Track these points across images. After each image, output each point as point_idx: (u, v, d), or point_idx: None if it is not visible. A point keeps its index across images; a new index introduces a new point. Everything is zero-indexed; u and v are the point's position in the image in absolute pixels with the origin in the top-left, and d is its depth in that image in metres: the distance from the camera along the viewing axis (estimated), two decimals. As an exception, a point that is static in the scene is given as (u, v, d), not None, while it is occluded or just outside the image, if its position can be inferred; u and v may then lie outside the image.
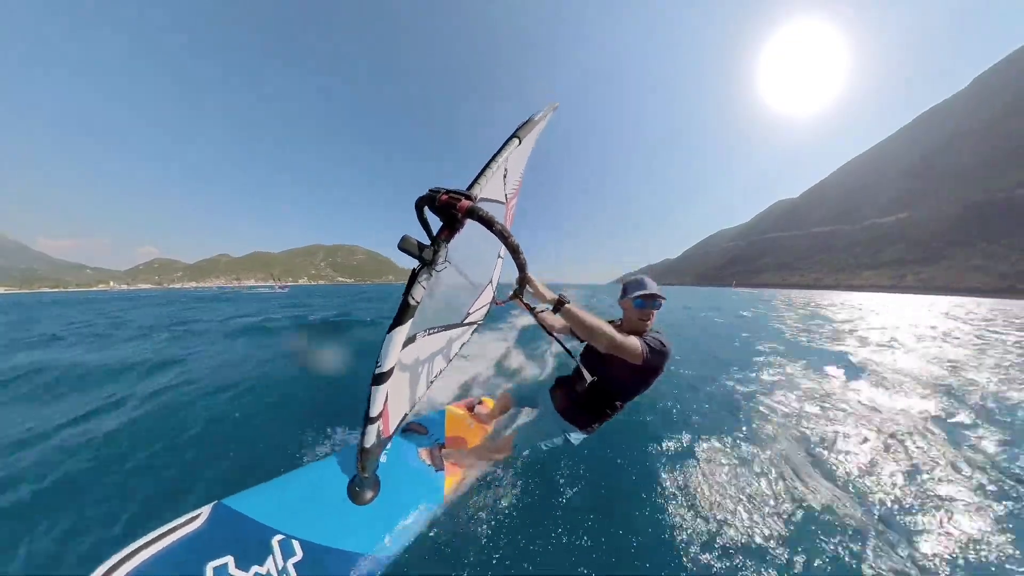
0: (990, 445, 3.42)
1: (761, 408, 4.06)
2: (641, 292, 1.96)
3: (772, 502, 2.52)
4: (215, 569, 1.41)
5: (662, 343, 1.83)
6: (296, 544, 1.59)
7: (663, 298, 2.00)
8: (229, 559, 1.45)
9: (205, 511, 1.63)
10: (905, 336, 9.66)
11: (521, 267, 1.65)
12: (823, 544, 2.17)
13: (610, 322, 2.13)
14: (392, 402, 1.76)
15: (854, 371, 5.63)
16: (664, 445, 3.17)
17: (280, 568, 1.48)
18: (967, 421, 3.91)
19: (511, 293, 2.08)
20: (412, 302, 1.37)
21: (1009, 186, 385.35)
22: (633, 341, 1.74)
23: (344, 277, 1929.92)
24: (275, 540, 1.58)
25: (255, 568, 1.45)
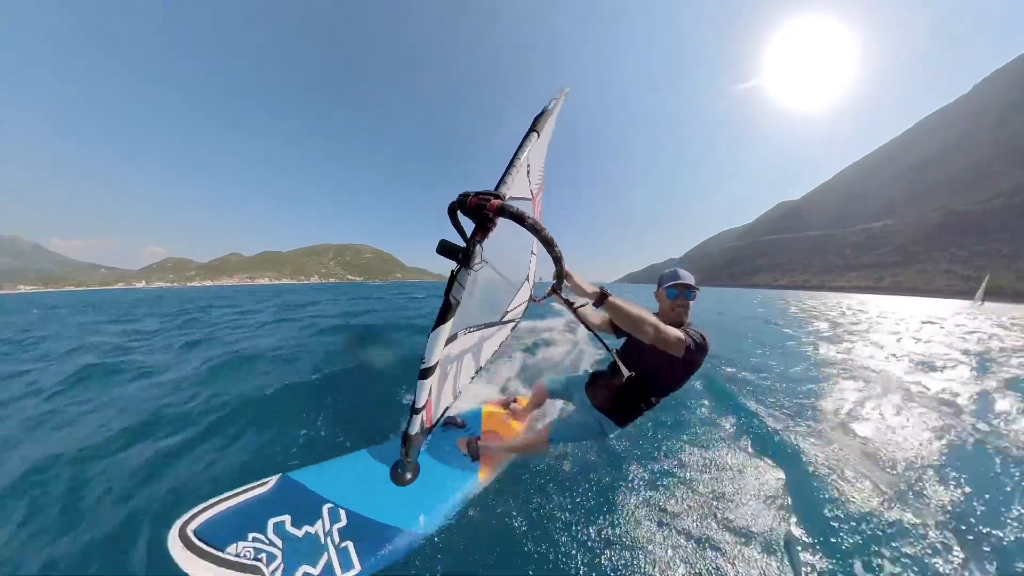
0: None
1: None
2: (673, 282, 1.99)
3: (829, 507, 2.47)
4: (275, 524, 1.66)
5: (702, 336, 1.83)
6: (342, 512, 1.80)
7: (696, 288, 1.99)
8: (287, 518, 1.71)
9: (273, 479, 1.91)
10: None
11: (557, 260, 1.65)
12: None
13: None
14: (435, 395, 1.87)
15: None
16: (704, 443, 3.17)
17: (326, 530, 1.70)
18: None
19: (549, 289, 2.07)
20: (453, 301, 1.45)
21: (985, 198, 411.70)
22: (677, 333, 1.73)
23: (353, 275, 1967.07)
24: (325, 507, 1.81)
25: (306, 527, 1.69)
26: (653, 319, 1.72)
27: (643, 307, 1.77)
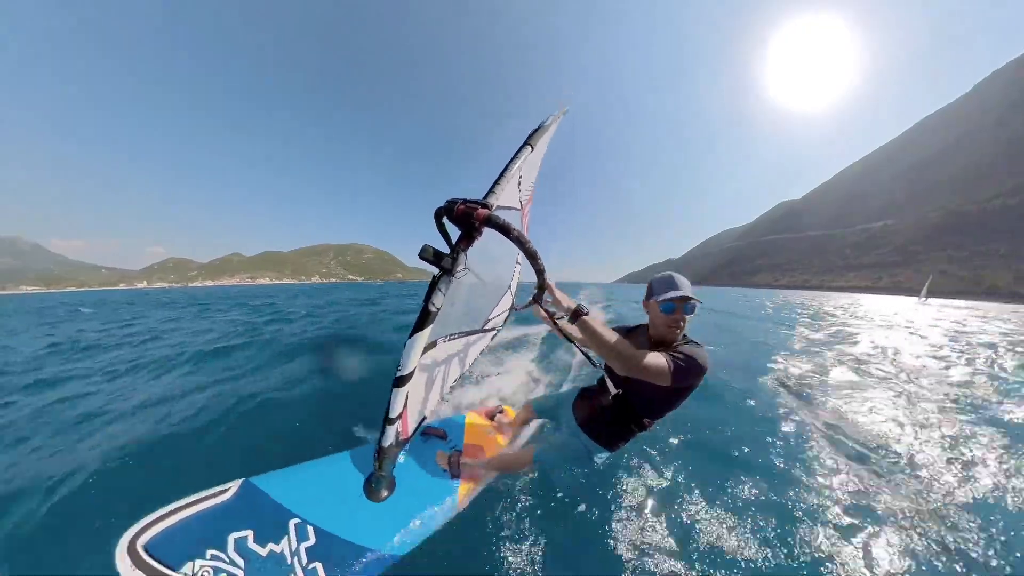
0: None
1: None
2: (670, 295, 1.68)
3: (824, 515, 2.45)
4: (236, 540, 1.52)
5: (693, 358, 1.57)
6: (310, 529, 1.67)
7: (697, 301, 1.70)
8: (249, 533, 1.56)
9: (234, 486, 1.74)
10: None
11: (539, 273, 1.65)
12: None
13: (635, 328, 2.00)
14: (411, 405, 1.80)
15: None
16: (692, 460, 3.03)
17: (293, 550, 1.57)
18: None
19: (530, 299, 2.03)
20: (432, 308, 1.41)
21: (985, 198, 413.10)
22: (657, 361, 1.51)
23: (354, 275, 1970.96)
24: (292, 523, 1.67)
25: (271, 545, 1.55)
26: (627, 347, 1.52)
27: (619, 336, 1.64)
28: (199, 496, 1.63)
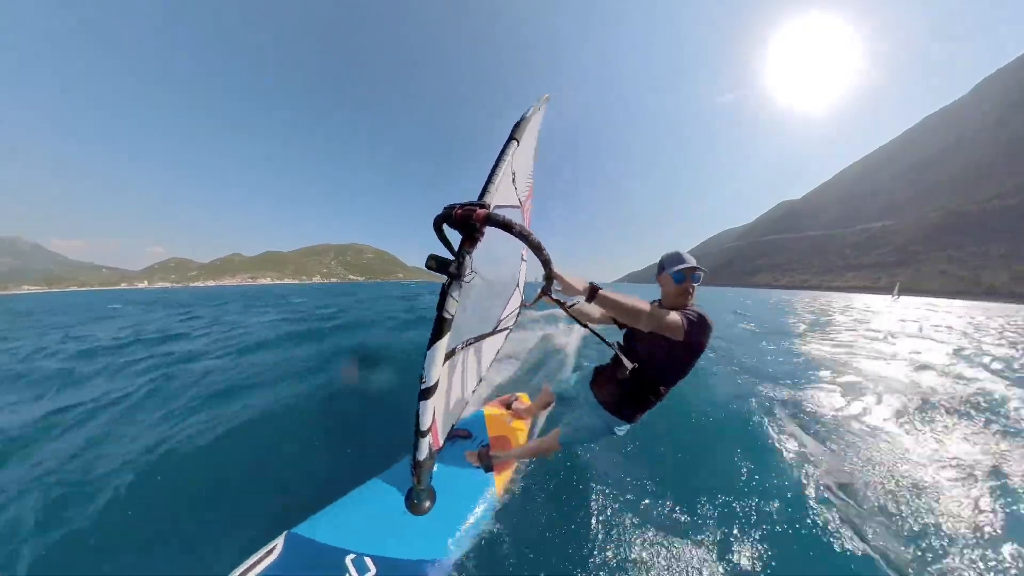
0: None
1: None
2: (680, 266, 1.90)
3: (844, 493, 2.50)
4: None
5: (702, 316, 1.78)
6: (368, 560, 1.66)
7: (703, 270, 1.94)
8: None
9: (279, 542, 1.70)
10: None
11: (546, 263, 1.66)
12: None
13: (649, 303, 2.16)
14: (438, 414, 1.81)
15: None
16: (718, 431, 3.19)
17: None
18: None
19: (539, 292, 2.06)
20: (447, 316, 1.42)
21: (985, 198, 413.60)
22: (674, 316, 1.71)
23: (355, 275, 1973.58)
24: (348, 559, 1.65)
25: None
26: (647, 305, 1.72)
27: (637, 296, 1.76)
28: (249, 563, 1.60)
